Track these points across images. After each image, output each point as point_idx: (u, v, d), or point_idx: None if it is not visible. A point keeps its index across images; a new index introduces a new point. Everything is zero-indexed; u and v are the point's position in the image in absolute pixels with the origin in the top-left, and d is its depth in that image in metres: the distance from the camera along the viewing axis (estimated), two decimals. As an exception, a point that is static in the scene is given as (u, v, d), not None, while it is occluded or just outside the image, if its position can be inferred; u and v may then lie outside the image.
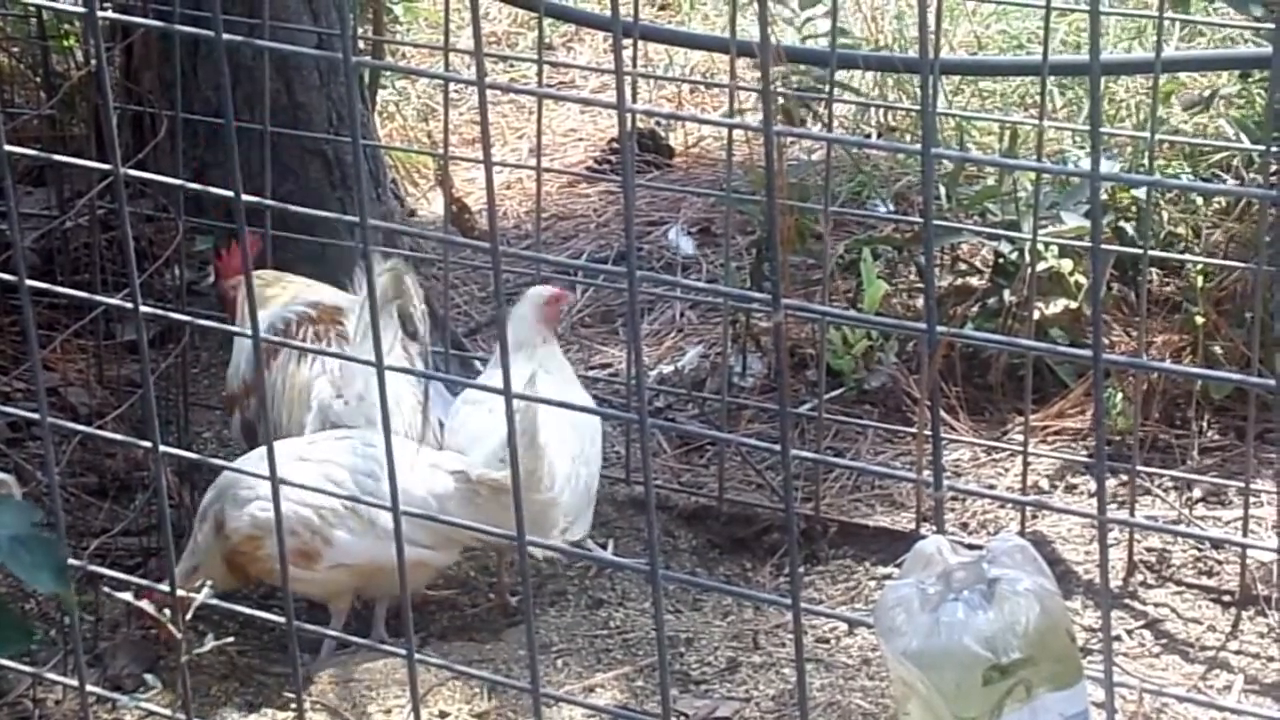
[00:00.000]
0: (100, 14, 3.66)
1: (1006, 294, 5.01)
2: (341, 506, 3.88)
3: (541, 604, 4.22)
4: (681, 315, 5.48)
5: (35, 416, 2.43)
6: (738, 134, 4.91)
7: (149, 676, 3.12)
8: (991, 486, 4.68)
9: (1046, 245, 4.83)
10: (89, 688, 2.61)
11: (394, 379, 4.14)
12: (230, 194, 2.27)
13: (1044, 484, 4.67)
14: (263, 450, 3.80)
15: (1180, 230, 5.23)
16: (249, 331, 2.30)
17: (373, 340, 2.25)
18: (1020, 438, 4.57)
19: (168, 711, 2.84)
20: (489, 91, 2.11)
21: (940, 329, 2.13)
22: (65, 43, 5.81)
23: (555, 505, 3.91)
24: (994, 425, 4.92)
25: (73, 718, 3.67)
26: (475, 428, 4.15)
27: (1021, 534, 4.37)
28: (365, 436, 4.01)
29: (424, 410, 4.16)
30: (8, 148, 2.38)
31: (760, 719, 3.84)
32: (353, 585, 4.00)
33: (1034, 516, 4.49)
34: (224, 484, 3.97)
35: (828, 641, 4.10)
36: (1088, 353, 2.02)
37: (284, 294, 4.46)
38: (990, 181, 5.39)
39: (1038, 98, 4.79)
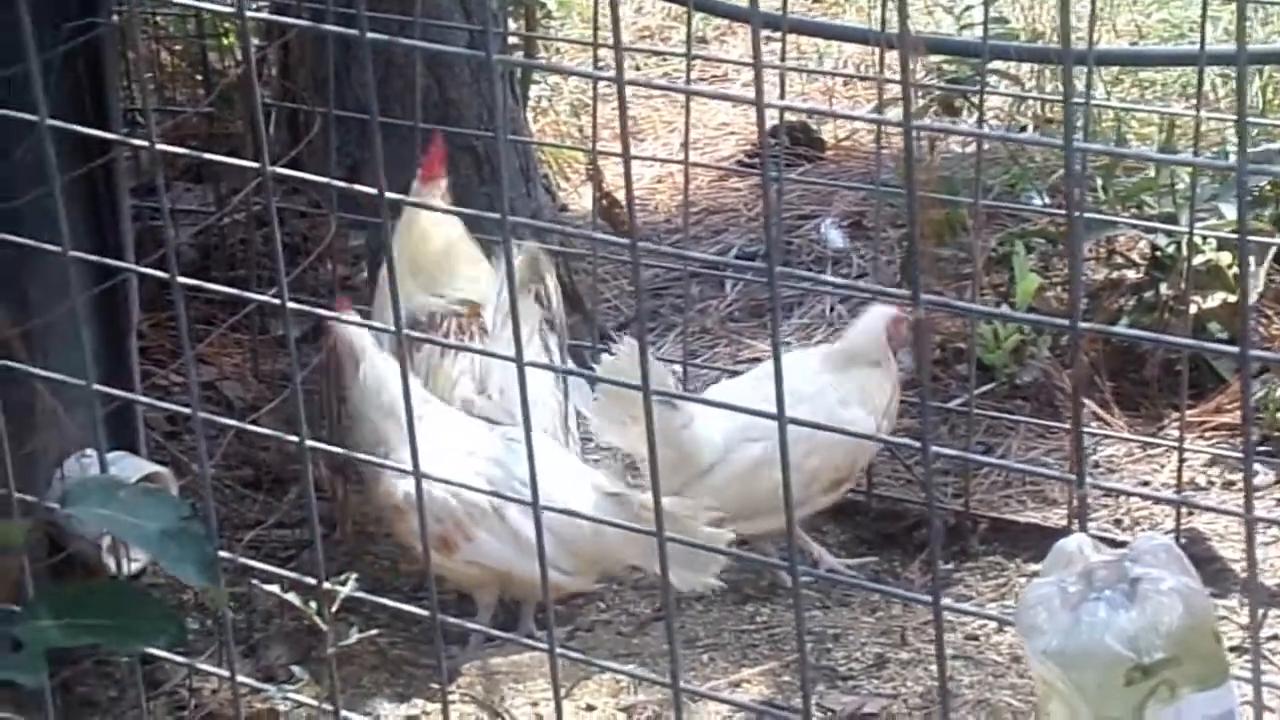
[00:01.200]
0: (251, 14, 3.72)
1: (1163, 287, 4.94)
2: (489, 507, 3.90)
3: (687, 599, 4.22)
4: (831, 309, 5.46)
5: (189, 411, 2.47)
6: (890, 127, 4.88)
7: (296, 668, 3.16)
8: (1146, 483, 4.62)
9: (1204, 238, 4.76)
10: (240, 678, 2.66)
11: (533, 374, 4.16)
12: (374, 191, 2.29)
13: (1200, 480, 4.61)
14: (433, 428, 3.86)
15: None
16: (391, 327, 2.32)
17: (513, 335, 2.26)
18: (1176, 433, 4.50)
19: (315, 702, 2.87)
20: (640, 86, 2.11)
21: (1084, 324, 2.10)
22: (225, 40, 5.90)
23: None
24: (1149, 421, 4.85)
25: (227, 707, 3.72)
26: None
27: (1175, 531, 4.31)
28: (542, 440, 3.99)
29: (564, 409, 4.16)
30: (160, 146, 2.42)
31: (908, 716, 3.81)
32: (489, 582, 4.02)
33: (1189, 514, 4.42)
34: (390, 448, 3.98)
35: (977, 639, 4.07)
36: (1234, 348, 1.99)
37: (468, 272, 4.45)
38: (1148, 173, 5.32)
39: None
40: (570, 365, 4.39)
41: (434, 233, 4.41)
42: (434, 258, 4.41)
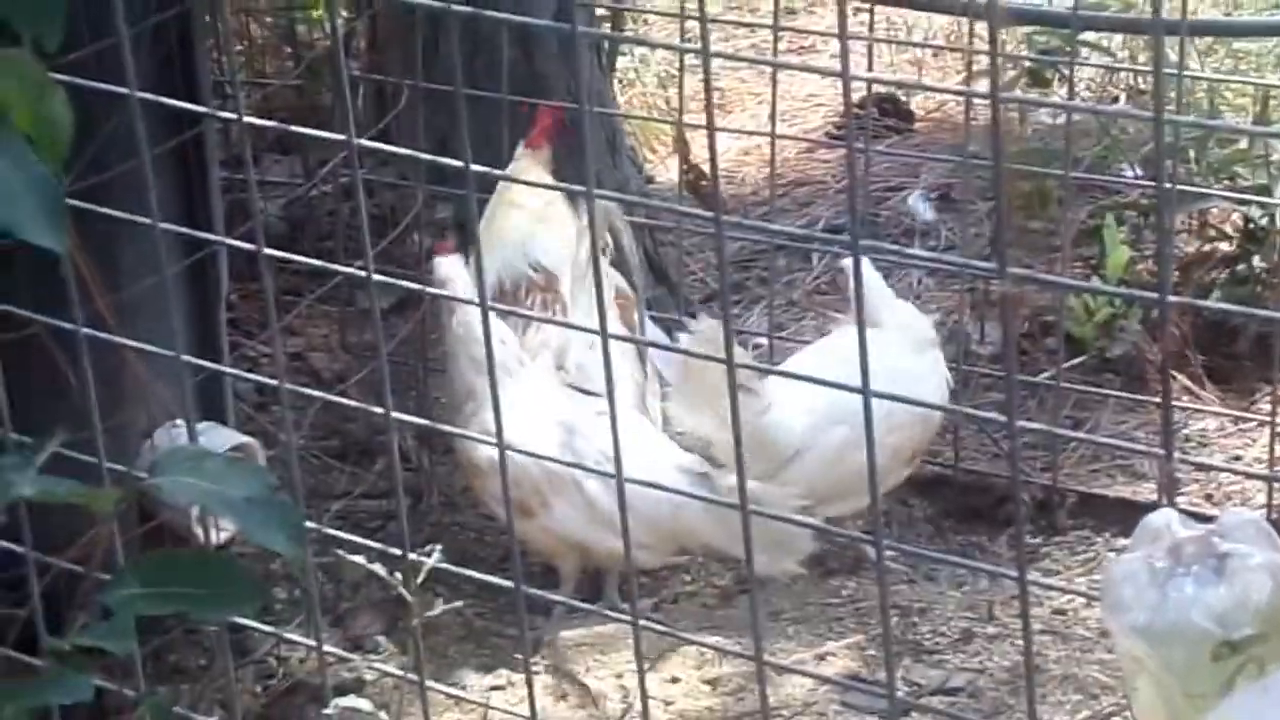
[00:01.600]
0: (340, -14, 3.73)
1: (1256, 260, 4.88)
2: (569, 477, 3.90)
3: (773, 571, 4.21)
4: (919, 282, 5.43)
5: (276, 382, 2.48)
6: (979, 98, 4.85)
7: (382, 639, 3.18)
8: (1237, 458, 4.57)
9: (1297, 211, 4.70)
10: (327, 648, 2.68)
11: (613, 349, 4.12)
12: (461, 164, 2.29)
13: (1293, 456, 4.56)
14: (523, 390, 3.87)
15: None
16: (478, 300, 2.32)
17: (597, 306, 2.25)
18: (1268, 408, 4.45)
19: (401, 672, 2.89)
20: (727, 59, 2.10)
21: (1174, 298, 2.08)
22: (314, 13, 5.92)
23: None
24: (1242, 395, 4.80)
25: (314, 676, 3.75)
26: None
27: (1268, 507, 4.26)
28: (629, 416, 4.00)
29: (643, 386, 4.15)
30: (249, 119, 2.43)
31: (994, 690, 3.80)
32: (566, 551, 4.02)
33: (1281, 489, 4.37)
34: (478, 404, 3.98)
35: (1064, 613, 4.04)
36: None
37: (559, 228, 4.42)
38: (1241, 145, 5.25)
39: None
40: (653, 336, 4.38)
41: (526, 201, 4.41)
42: (524, 224, 4.41)
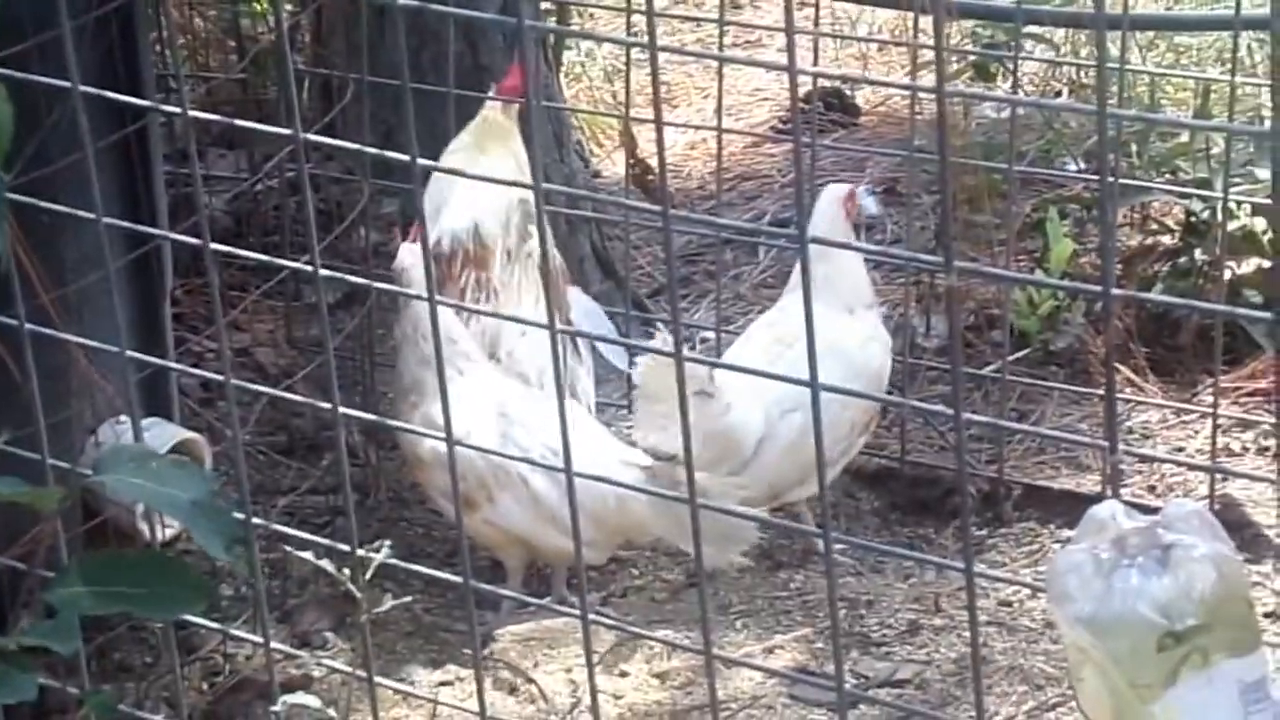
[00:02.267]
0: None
1: (1198, 253, 4.92)
2: (514, 471, 3.89)
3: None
4: (866, 276, 5.43)
5: (222, 378, 2.47)
6: (924, 92, 4.86)
7: (330, 635, 3.17)
8: (1180, 449, 4.60)
9: (1239, 204, 4.73)
10: (274, 644, 2.67)
11: (542, 338, 4.13)
12: (407, 159, 2.29)
13: (1234, 446, 4.59)
14: (469, 386, 3.86)
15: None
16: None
17: (547, 303, 2.26)
18: (1210, 399, 4.49)
19: (349, 668, 2.88)
20: (674, 53, 2.10)
21: (1118, 291, 2.10)
22: (258, 6, 5.90)
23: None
24: (1184, 387, 4.83)
25: (261, 673, 3.74)
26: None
27: (1210, 498, 4.29)
28: (573, 410, 4.00)
29: (575, 370, 4.15)
30: (193, 112, 2.42)
31: (941, 682, 3.81)
32: (510, 545, 4.02)
33: (1223, 480, 4.40)
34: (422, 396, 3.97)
35: (1010, 605, 4.06)
36: (1269, 314, 1.98)
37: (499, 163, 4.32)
38: (1182, 139, 5.29)
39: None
40: (597, 324, 4.36)
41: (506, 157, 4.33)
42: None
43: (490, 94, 4.40)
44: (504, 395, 4.01)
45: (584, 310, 4.30)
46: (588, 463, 3.78)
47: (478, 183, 4.19)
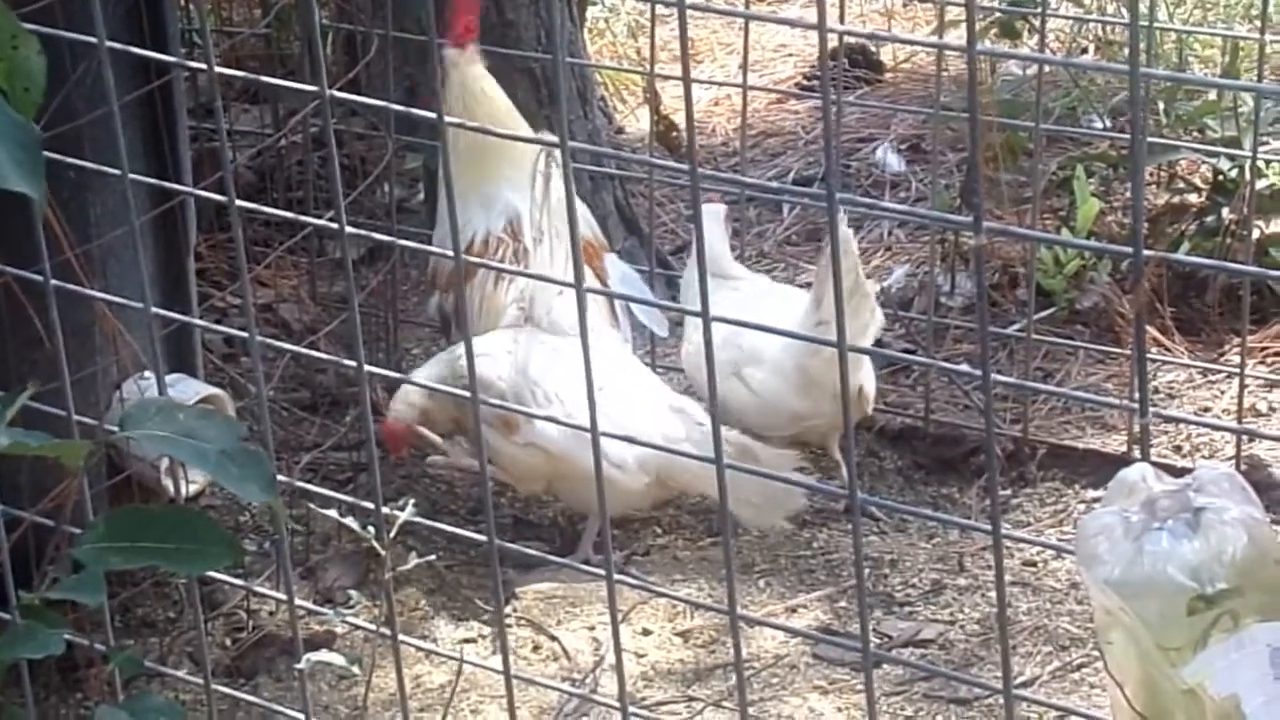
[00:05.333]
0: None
1: (1225, 212, 4.89)
2: (555, 395, 3.88)
3: (743, 524, 4.22)
4: (889, 234, 5.42)
5: (246, 334, 2.47)
6: (950, 50, 4.83)
7: (353, 591, 3.17)
8: (1206, 409, 4.58)
9: (1268, 163, 4.70)
10: (298, 601, 2.66)
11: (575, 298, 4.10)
12: (434, 115, 2.28)
13: (1261, 406, 4.57)
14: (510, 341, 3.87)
15: None
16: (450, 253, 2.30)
17: (573, 262, 2.24)
18: (1237, 359, 4.46)
19: (372, 625, 2.89)
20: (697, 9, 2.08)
21: (1147, 251, 2.08)
22: (283, -38, 5.88)
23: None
24: (1210, 347, 4.81)
25: (285, 629, 3.74)
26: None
27: (1236, 459, 4.28)
28: (623, 355, 4.06)
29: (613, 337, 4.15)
30: (217, 68, 2.41)
31: (965, 642, 3.81)
32: (543, 474, 4.00)
33: (1251, 441, 4.38)
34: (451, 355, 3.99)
35: (1034, 565, 4.05)
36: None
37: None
38: (1210, 97, 5.25)
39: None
40: (633, 287, 4.34)
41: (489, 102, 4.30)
42: (495, 168, 4.30)
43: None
44: (557, 342, 4.00)
45: (621, 276, 4.29)
46: (637, 402, 3.83)
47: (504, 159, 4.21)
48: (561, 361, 3.91)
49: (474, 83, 4.25)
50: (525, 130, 4.28)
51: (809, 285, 4.25)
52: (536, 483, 4.05)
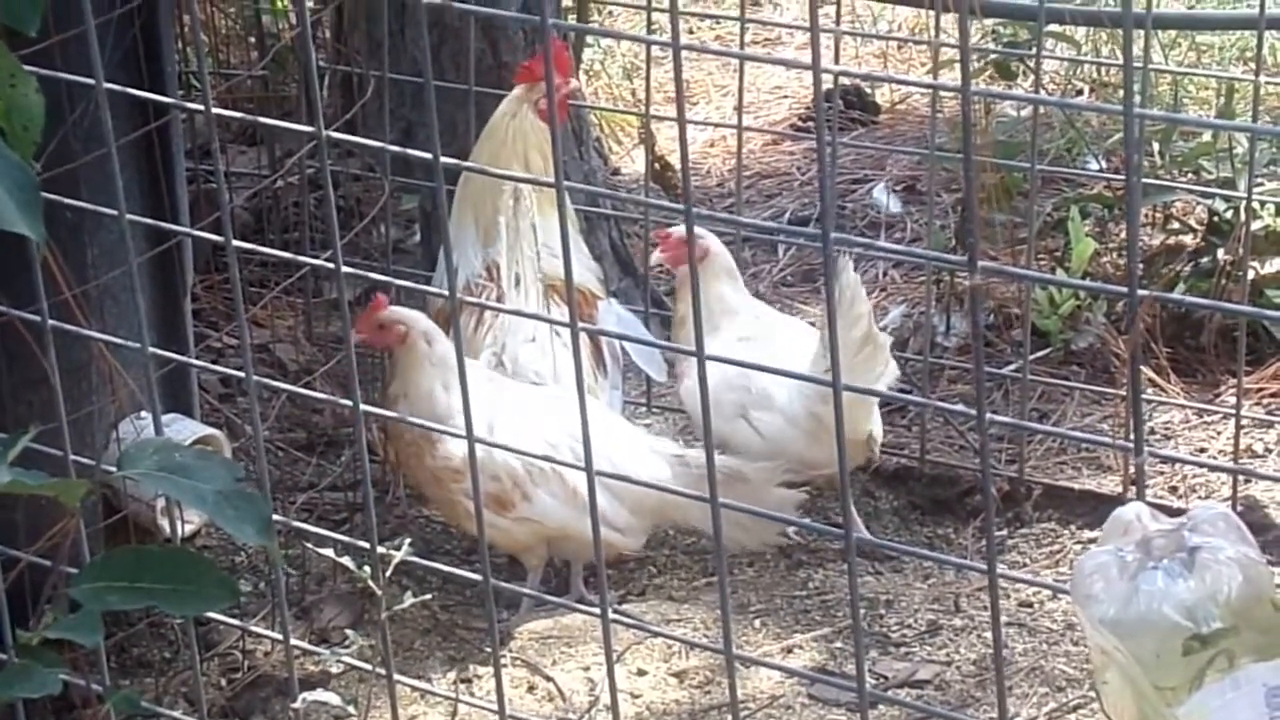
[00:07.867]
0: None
1: (1220, 253, 4.90)
2: (550, 469, 3.89)
3: (740, 564, 4.21)
4: (885, 274, 5.44)
5: (242, 374, 2.47)
6: (944, 91, 4.85)
7: (349, 631, 3.17)
8: (1202, 450, 4.59)
9: (1262, 204, 4.72)
10: (293, 641, 2.66)
11: (556, 343, 4.15)
12: (429, 156, 2.29)
13: (1257, 447, 4.57)
14: (489, 389, 3.86)
15: None
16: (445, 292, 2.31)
17: (568, 306, 2.25)
18: (1232, 400, 4.47)
19: (368, 665, 2.88)
20: (694, 51, 2.09)
21: (1143, 291, 2.08)
22: (279, 3, 5.90)
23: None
24: (1206, 387, 4.82)
25: (280, 669, 3.74)
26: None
27: (1232, 499, 4.28)
28: (594, 405, 4.01)
29: (594, 384, 4.15)
30: (215, 109, 2.42)
31: (960, 683, 3.80)
32: (541, 542, 4.01)
33: (1247, 481, 4.39)
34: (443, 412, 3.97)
35: (1030, 606, 4.05)
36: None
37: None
38: (1205, 138, 5.27)
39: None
40: (629, 328, 4.35)
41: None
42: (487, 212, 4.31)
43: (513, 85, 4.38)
44: (529, 397, 4.01)
45: (618, 320, 4.30)
46: (621, 451, 3.85)
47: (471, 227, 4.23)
48: (557, 434, 3.92)
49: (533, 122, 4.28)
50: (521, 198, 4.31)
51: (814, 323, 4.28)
52: (535, 553, 4.04)
